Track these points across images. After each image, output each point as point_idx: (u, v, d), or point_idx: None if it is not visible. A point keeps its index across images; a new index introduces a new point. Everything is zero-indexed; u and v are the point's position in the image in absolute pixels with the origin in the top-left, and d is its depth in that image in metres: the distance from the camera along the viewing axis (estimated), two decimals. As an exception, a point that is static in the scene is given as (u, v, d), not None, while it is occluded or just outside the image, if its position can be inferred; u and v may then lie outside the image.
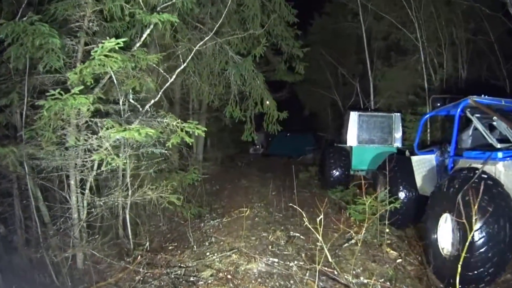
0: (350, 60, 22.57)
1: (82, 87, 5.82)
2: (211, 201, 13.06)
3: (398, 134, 15.00)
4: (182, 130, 6.91)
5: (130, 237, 8.22)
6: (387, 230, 9.00)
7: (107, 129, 6.34)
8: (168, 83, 8.07)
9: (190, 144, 15.88)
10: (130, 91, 8.01)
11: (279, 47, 14.64)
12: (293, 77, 18.92)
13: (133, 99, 8.01)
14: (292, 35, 14.02)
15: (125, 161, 7.64)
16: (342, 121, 17.79)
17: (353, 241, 8.50)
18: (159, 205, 8.87)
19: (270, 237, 8.58)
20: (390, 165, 9.78)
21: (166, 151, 8.71)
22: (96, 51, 5.87)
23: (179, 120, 7.07)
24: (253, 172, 19.40)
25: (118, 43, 5.80)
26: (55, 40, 6.03)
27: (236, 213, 10.64)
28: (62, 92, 5.75)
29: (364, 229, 7.39)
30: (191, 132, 6.96)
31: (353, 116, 14.95)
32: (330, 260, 5.96)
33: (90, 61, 5.99)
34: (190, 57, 8.46)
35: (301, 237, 8.78)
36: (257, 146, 30.95)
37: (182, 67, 8.31)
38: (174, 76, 8.01)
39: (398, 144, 14.97)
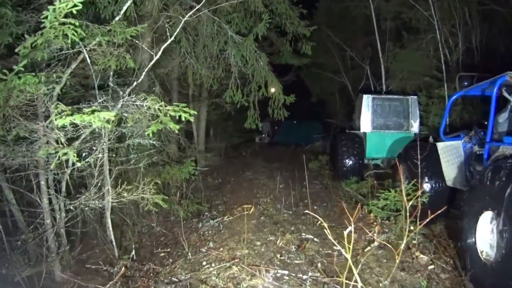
0: (359, 42, 21.45)
1: (25, 61, 4.55)
2: (212, 196, 11.96)
3: (415, 119, 13.87)
4: (166, 115, 5.61)
5: (114, 243, 7.10)
6: (411, 228, 7.80)
7: (57, 114, 5.02)
8: (153, 61, 6.84)
9: (196, 134, 14.87)
10: (111, 74, 6.89)
11: (283, 28, 13.38)
12: (299, 60, 17.86)
13: (113, 82, 6.77)
14: (297, 14, 12.76)
15: (99, 155, 6.41)
16: (353, 106, 17.10)
17: (376, 243, 7.22)
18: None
19: (278, 241, 7.25)
20: (412, 153, 8.73)
21: (158, 142, 8.05)
22: (46, 16, 4.56)
23: (163, 103, 5.76)
24: (258, 162, 18.03)
25: (75, 5, 4.48)
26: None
27: (239, 210, 9.48)
28: (6, 71, 4.51)
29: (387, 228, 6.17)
30: (177, 117, 5.63)
31: (366, 99, 13.80)
32: (354, 272, 4.61)
33: (43, 32, 4.71)
34: (178, 30, 7.12)
35: (315, 239, 7.51)
36: (263, 135, 29.92)
37: (169, 41, 6.99)
38: (159, 53, 6.71)
39: (415, 129, 13.81)
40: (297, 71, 23.65)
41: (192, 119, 5.69)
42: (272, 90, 11.36)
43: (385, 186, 10.77)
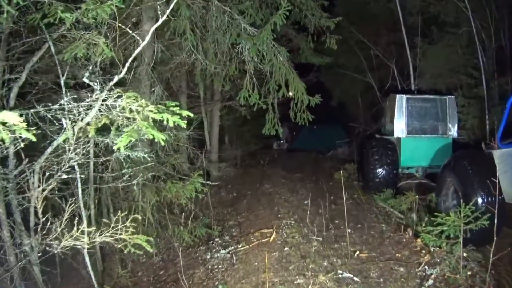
0: (382, 39, 19.80)
1: None
2: (225, 215, 10.41)
3: (453, 122, 12.19)
4: (146, 118, 3.98)
5: (96, 284, 5.54)
6: (465, 254, 6.43)
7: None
8: (139, 49, 5.16)
9: (208, 141, 13.39)
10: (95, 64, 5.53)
11: (302, 23, 12.24)
12: (321, 59, 16.48)
13: (90, 77, 5.17)
14: (318, 4, 11.40)
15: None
16: (378, 109, 16.65)
17: (430, 281, 5.70)
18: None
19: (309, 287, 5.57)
20: (463, 162, 7.84)
21: (151, 155, 7.17)
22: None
23: (142, 101, 4.12)
24: (278, 172, 16.06)
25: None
26: None
27: (257, 236, 7.86)
28: None
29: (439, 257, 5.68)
30: (166, 123, 4.02)
31: (400, 100, 12.17)
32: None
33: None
34: (172, 5, 5.39)
35: (355, 279, 5.84)
36: (281, 141, 28.20)
37: (160, 22, 5.32)
38: (148, 38, 5.05)
39: (453, 134, 12.18)
40: (317, 72, 22.60)
41: (183, 124, 4.03)
42: (290, 93, 9.94)
43: (427, 202, 9.46)
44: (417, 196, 9.17)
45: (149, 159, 7.13)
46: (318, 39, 12.30)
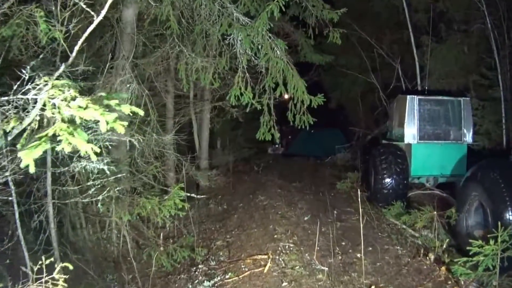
0: (386, 38, 18.67)
1: None
2: (212, 232, 9.08)
3: (468, 126, 11.06)
4: (65, 120, 2.64)
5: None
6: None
7: None
8: (91, 28, 3.83)
9: (198, 146, 12.32)
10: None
11: (301, 18, 11.23)
12: (321, 58, 15.17)
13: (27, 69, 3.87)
14: None
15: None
16: (383, 112, 16.28)
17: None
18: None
19: None
20: (492, 174, 6.85)
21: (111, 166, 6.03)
22: None
23: (70, 92, 2.77)
24: (273, 180, 14.66)
25: None
26: None
27: (249, 264, 6.54)
28: None
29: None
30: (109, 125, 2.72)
31: (411, 102, 10.96)
32: None
33: None
34: None
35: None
36: (276, 145, 26.88)
37: None
38: (103, 12, 3.72)
39: (468, 139, 11.08)
40: (315, 72, 21.29)
41: (121, 129, 2.71)
42: (286, 96, 8.95)
43: (445, 217, 8.11)
44: (435, 212, 8.03)
45: (116, 169, 5.99)
46: (318, 35, 11.37)
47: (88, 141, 2.61)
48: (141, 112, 3.08)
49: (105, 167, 5.67)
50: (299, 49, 14.26)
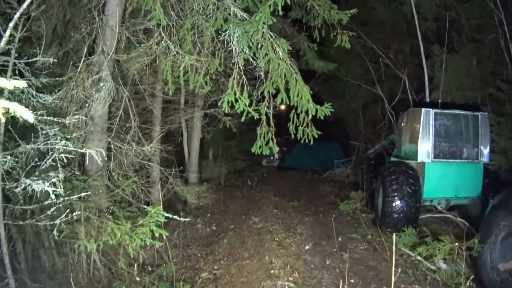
0: (392, 47, 17.92)
1: None
2: (198, 260, 7.92)
3: (485, 144, 10.22)
4: None
5: None
6: None
7: None
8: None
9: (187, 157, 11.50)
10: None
11: (305, 20, 10.54)
12: (325, 65, 14.08)
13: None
14: None
15: None
16: (385, 125, 16.29)
17: None
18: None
19: None
20: None
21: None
22: None
23: None
24: (269, 197, 13.70)
25: None
26: None
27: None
28: None
29: None
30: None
31: (426, 116, 9.95)
32: None
33: None
34: None
35: None
36: (271, 157, 25.82)
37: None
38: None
39: (485, 158, 10.26)
40: (318, 81, 20.30)
41: None
42: (282, 107, 7.53)
43: (467, 249, 7.10)
44: (456, 244, 7.10)
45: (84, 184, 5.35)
46: (320, 43, 11.36)
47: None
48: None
49: (50, 189, 4.46)
50: (301, 54, 13.24)
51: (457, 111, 10.26)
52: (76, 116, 5.35)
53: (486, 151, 10.22)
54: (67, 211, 5.09)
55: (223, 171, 16.33)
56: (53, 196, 4.65)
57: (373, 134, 20.59)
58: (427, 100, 13.51)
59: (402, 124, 11.67)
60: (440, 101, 11.59)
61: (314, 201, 12.90)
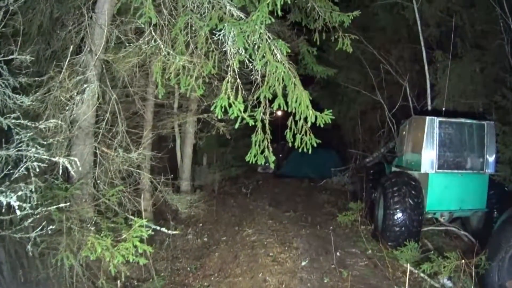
0: (393, 54, 17.43)
1: None
2: (187, 275, 7.48)
3: (491, 154, 9.89)
4: None
5: None
6: None
7: None
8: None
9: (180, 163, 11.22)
10: None
11: (304, 23, 10.07)
12: (325, 70, 13.67)
13: None
14: None
15: None
16: (384, 133, 16.32)
17: None
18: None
19: None
20: None
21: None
22: None
23: None
24: (263, 207, 13.32)
25: None
26: None
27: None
28: None
29: None
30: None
31: (431, 124, 9.53)
32: None
33: None
34: None
35: None
36: (267, 164, 25.27)
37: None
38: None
39: (490, 169, 9.87)
40: (316, 87, 20.11)
41: None
42: (279, 113, 8.22)
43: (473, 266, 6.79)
44: (463, 261, 6.80)
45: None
46: (319, 48, 11.28)
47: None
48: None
49: (15, 204, 4.01)
50: (299, 58, 12.87)
51: (462, 120, 9.88)
52: (53, 120, 4.87)
53: (491, 161, 9.89)
54: (43, 223, 4.67)
55: (217, 178, 15.98)
56: (18, 212, 4.19)
57: (371, 141, 20.44)
58: (429, 107, 13.24)
59: (404, 133, 11.30)
60: (444, 109, 11.24)
61: (311, 211, 12.50)
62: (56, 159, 4.63)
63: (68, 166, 4.59)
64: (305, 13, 9.53)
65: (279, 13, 6.33)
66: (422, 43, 13.61)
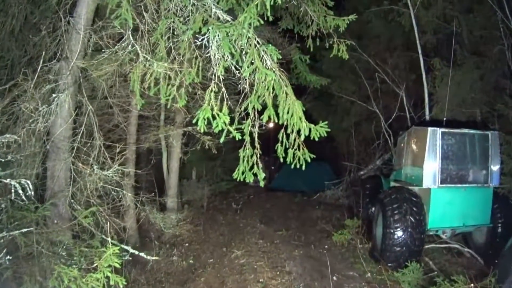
0: (388, 62, 16.93)
1: None
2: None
3: (495, 165, 9.46)
4: None
5: None
6: None
7: None
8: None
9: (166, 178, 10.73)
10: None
11: (296, 30, 9.76)
12: (318, 79, 13.13)
13: None
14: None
15: None
16: (379, 145, 16.28)
17: None
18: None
19: None
20: None
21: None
22: None
23: None
24: (254, 224, 12.76)
25: None
26: None
27: None
28: None
29: None
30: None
31: (433, 136, 9.00)
32: None
33: None
34: None
35: None
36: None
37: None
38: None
39: (495, 181, 9.43)
40: (308, 97, 19.80)
41: None
42: (270, 125, 7.77)
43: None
44: (472, 285, 6.36)
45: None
46: (311, 58, 11.04)
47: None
48: None
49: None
50: (292, 67, 12.39)
51: (466, 130, 9.41)
52: (8, 135, 4.27)
53: (496, 173, 9.45)
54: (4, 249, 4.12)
55: (206, 193, 15.41)
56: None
57: (366, 153, 20.09)
58: (427, 117, 12.82)
59: (402, 145, 10.85)
60: (445, 119, 10.71)
61: (304, 229, 11.96)
62: (7, 181, 4.02)
63: (20, 190, 3.99)
64: (297, 19, 9.21)
65: (270, 17, 5.98)
66: (420, 51, 13.25)
